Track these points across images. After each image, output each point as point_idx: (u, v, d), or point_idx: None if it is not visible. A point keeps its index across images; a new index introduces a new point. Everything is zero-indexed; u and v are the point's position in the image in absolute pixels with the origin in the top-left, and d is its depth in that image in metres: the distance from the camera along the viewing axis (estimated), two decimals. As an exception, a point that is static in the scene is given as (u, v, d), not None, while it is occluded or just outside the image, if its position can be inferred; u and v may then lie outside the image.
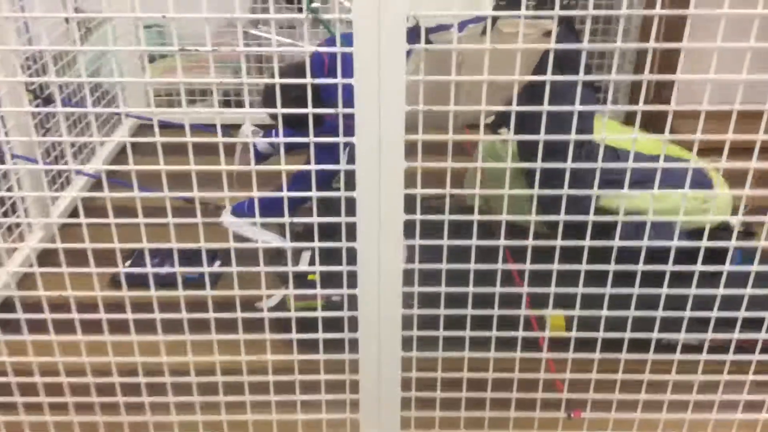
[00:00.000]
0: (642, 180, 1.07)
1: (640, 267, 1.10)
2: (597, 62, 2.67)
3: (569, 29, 1.74)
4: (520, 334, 1.18)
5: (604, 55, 2.88)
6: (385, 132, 1.01)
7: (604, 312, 1.15)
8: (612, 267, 1.11)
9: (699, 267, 1.11)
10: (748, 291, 1.14)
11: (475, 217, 1.08)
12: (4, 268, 1.33)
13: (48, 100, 2.15)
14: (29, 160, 1.78)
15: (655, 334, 1.17)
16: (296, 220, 1.11)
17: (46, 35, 1.08)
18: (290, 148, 1.04)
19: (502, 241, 1.10)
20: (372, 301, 1.15)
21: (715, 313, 1.16)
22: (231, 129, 2.10)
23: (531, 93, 1.07)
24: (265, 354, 1.19)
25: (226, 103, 3.03)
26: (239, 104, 2.92)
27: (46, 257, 1.20)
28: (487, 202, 1.54)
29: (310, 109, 1.00)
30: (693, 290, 1.13)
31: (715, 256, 1.13)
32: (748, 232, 1.75)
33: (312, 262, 1.85)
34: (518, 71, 0.98)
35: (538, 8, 1.35)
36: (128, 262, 1.83)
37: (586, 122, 1.05)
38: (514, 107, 1.01)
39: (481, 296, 1.14)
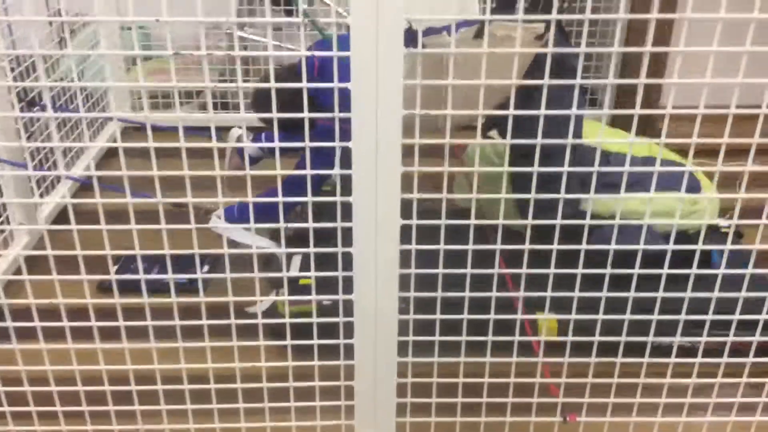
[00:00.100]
0: (630, 183, 1.06)
1: (636, 270, 1.10)
2: (584, 64, 2.68)
3: (560, 32, 1.74)
4: (516, 339, 1.18)
5: (591, 57, 2.90)
6: (382, 136, 1.00)
7: (600, 316, 1.15)
8: (608, 271, 1.11)
9: (694, 270, 1.11)
10: (742, 294, 1.15)
11: (472, 221, 1.07)
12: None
13: (32, 103, 2.12)
14: (15, 164, 1.76)
15: (650, 338, 1.17)
16: (291, 225, 1.10)
17: (35, 38, 1.05)
18: (282, 151, 1.03)
19: (498, 246, 1.09)
20: (368, 307, 1.14)
21: (710, 316, 1.16)
22: (220, 132, 2.08)
23: (522, 96, 1.07)
24: (259, 360, 1.18)
25: (212, 105, 3.02)
26: (225, 106, 2.90)
27: (31, 262, 1.18)
28: (477, 203, 1.53)
29: (306, 114, 0.99)
30: (688, 293, 1.13)
31: (703, 258, 1.13)
32: (736, 233, 1.76)
33: (303, 266, 1.85)
34: (507, 74, 0.97)
35: (529, 11, 1.35)
36: (115, 268, 1.81)
37: (576, 126, 1.05)
38: (506, 111, 1.00)
39: (474, 300, 1.14)
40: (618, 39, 1.01)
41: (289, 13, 2.50)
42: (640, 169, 1.06)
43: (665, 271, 1.12)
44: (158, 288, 1.14)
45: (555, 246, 1.08)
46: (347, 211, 1.06)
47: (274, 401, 1.23)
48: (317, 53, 1.01)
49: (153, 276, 1.13)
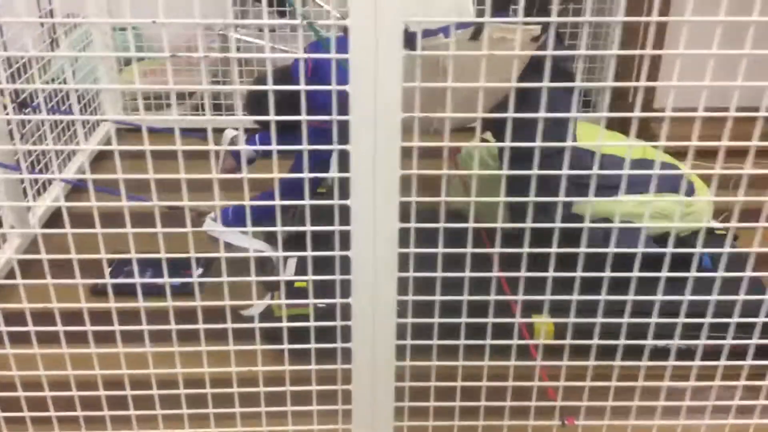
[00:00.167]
0: (621, 185, 1.06)
1: (635, 274, 1.10)
2: (577, 66, 2.69)
3: (555, 34, 1.74)
4: (515, 342, 1.18)
5: (585, 58, 2.90)
6: (381, 138, 0.99)
7: (599, 319, 1.15)
8: (607, 274, 1.10)
9: (693, 274, 1.11)
10: (741, 297, 1.14)
11: (470, 224, 1.07)
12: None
13: (24, 104, 2.10)
14: (8, 167, 1.74)
15: (649, 341, 1.17)
16: (289, 229, 1.09)
17: (30, 39, 1.04)
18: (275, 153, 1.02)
19: (498, 249, 1.09)
20: (366, 310, 1.13)
21: (708, 319, 1.16)
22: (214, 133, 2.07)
23: (516, 98, 1.06)
24: (255, 364, 1.17)
25: (202, 107, 3.00)
26: (217, 107, 2.89)
27: (24, 264, 1.17)
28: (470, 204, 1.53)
29: (303, 117, 0.98)
30: (687, 296, 1.13)
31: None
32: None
33: (298, 269, 1.84)
34: (502, 76, 0.97)
35: (524, 13, 1.34)
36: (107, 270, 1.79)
37: (569, 128, 1.05)
38: (500, 114, 1.00)
39: (471, 303, 1.13)
40: (617, 43, 1.01)
41: (281, 14, 2.49)
42: (634, 172, 1.05)
43: (665, 274, 1.11)
44: (150, 290, 1.13)
45: (551, 250, 1.08)
46: (341, 214, 1.05)
47: (271, 405, 1.22)
48: (319, 56, 1.00)
49: (146, 280, 1.12)
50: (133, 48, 0.99)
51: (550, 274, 1.10)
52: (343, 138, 1.00)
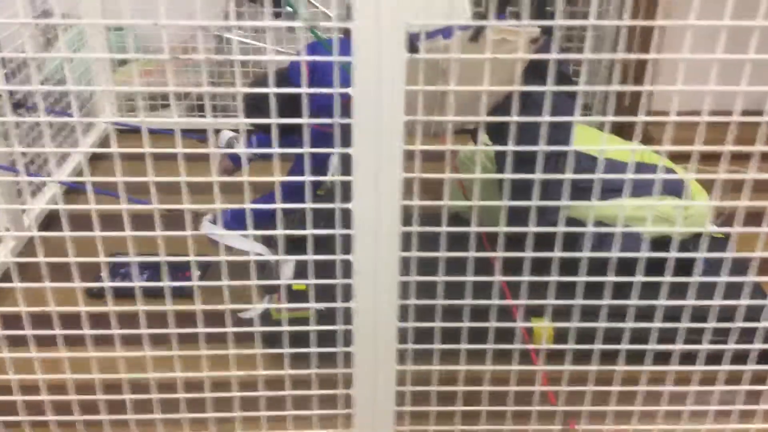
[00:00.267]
0: (616, 188, 1.06)
1: (639, 279, 1.10)
2: (573, 69, 2.68)
3: (552, 37, 1.74)
4: (517, 347, 1.17)
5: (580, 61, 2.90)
6: (384, 142, 0.99)
7: (600, 323, 1.14)
8: (610, 279, 1.10)
9: (698, 279, 1.11)
10: (742, 302, 1.14)
11: (473, 228, 1.06)
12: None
13: (19, 105, 2.08)
14: (8, 168, 1.72)
15: (651, 346, 1.17)
16: (291, 233, 1.08)
17: (28, 39, 1.03)
18: (271, 155, 1.01)
19: (501, 253, 1.08)
20: (368, 314, 1.12)
21: (709, 324, 1.16)
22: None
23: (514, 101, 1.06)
24: (255, 367, 1.16)
25: (198, 108, 2.99)
26: (213, 108, 2.88)
27: (19, 267, 1.16)
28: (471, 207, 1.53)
29: (305, 119, 0.98)
30: (690, 301, 1.13)
31: (688, 263, 1.13)
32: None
33: (296, 271, 1.83)
34: (501, 78, 0.96)
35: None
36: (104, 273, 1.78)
37: (566, 131, 1.05)
38: (499, 118, 0.99)
39: (473, 307, 1.13)
40: (618, 47, 1.00)
41: (277, 15, 2.48)
42: (631, 176, 1.05)
43: (665, 279, 1.11)
44: (147, 293, 1.12)
45: (551, 254, 1.07)
46: (342, 216, 1.05)
47: (271, 409, 1.21)
48: (319, 58, 1.00)
49: (144, 284, 1.11)
50: (132, 49, 0.98)
51: (552, 278, 1.09)
52: (342, 140, 0.99)
